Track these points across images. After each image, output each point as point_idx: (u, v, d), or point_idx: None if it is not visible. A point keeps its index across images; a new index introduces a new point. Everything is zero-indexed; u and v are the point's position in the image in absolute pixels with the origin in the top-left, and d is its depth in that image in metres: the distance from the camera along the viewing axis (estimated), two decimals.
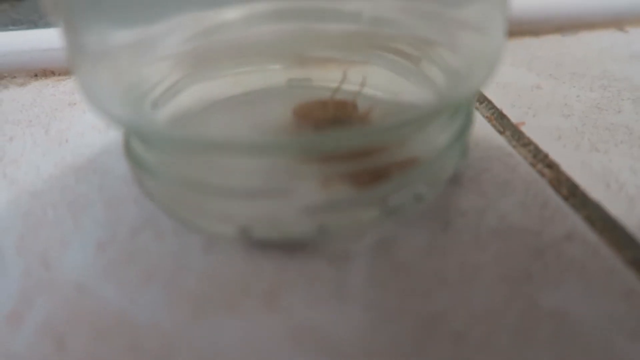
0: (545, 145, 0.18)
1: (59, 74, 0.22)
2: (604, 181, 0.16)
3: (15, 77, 0.22)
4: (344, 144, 0.12)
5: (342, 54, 0.17)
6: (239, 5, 0.15)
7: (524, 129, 0.19)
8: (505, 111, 0.20)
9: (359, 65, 0.17)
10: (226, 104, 0.16)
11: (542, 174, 0.17)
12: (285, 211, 0.13)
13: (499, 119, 0.20)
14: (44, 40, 0.22)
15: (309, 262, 0.13)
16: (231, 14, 0.16)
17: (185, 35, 0.15)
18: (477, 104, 0.21)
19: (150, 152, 0.13)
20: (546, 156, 0.17)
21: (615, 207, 0.15)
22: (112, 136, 0.18)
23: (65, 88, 0.21)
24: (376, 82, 0.17)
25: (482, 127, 0.19)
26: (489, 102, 0.21)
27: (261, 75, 0.17)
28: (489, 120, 0.20)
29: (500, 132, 0.19)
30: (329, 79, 0.17)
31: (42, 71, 0.22)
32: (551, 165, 0.17)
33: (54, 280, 0.12)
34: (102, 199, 0.15)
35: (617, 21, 0.28)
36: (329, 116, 0.16)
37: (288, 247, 0.13)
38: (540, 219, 0.15)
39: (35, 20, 0.25)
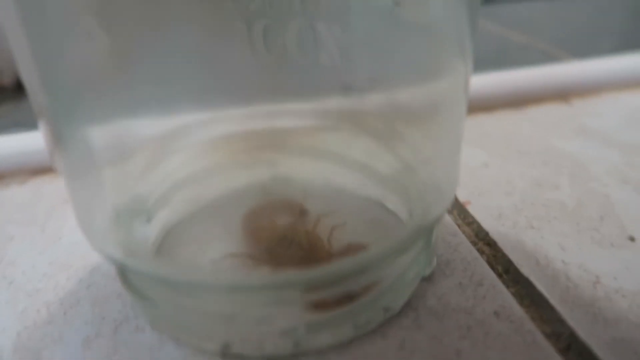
0: (486, 224, 0.20)
1: (56, 171, 0.25)
2: (534, 257, 0.18)
3: (15, 176, 0.24)
4: (307, 281, 0.14)
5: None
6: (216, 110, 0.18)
7: (470, 207, 0.21)
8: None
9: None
10: (210, 211, 0.18)
11: (482, 252, 0.19)
12: (263, 332, 0.14)
13: None
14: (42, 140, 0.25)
15: None
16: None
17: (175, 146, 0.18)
18: None
19: (141, 281, 0.15)
20: (487, 234, 0.20)
21: (541, 282, 0.17)
22: None
23: (61, 184, 0.24)
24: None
25: None
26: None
27: (247, 173, 0.19)
28: None
29: (449, 212, 0.21)
30: (308, 174, 0.19)
31: (40, 169, 0.24)
32: (490, 244, 0.19)
33: None
34: (90, 296, 0.17)
35: (563, 94, 0.31)
36: (277, 234, 0.18)
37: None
38: (474, 297, 0.16)
39: (35, 123, 0.27)
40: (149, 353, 0.15)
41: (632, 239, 0.19)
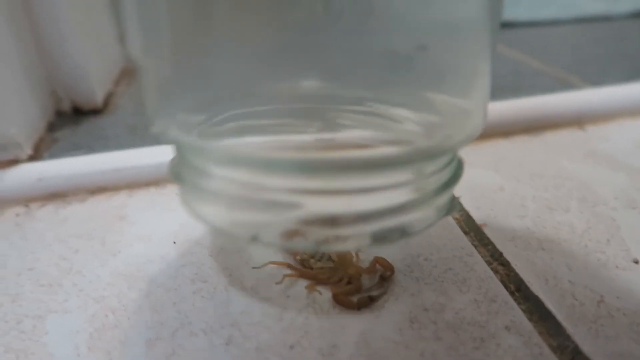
0: (501, 245, 0.22)
1: (111, 190, 0.27)
2: (544, 277, 0.20)
3: (76, 194, 0.27)
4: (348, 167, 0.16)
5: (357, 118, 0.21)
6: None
7: (485, 230, 0.23)
8: (472, 213, 0.24)
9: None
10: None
11: (496, 271, 0.21)
12: (291, 225, 0.16)
13: (466, 221, 0.24)
14: (99, 162, 0.28)
15: (304, 354, 0.17)
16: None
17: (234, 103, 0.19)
18: None
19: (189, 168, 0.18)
20: (501, 255, 0.22)
21: (550, 300, 0.19)
22: (153, 246, 0.23)
23: (116, 203, 0.26)
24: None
25: (451, 229, 0.23)
26: (460, 204, 0.25)
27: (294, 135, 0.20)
28: (458, 222, 0.24)
29: (466, 233, 0.23)
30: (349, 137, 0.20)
31: (97, 189, 0.27)
32: (504, 264, 0.21)
33: None
34: (149, 303, 0.19)
35: (577, 120, 0.33)
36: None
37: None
38: (488, 312, 0.18)
39: (91, 145, 0.30)
40: (203, 355, 0.17)
41: (636, 261, 0.21)
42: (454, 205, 0.19)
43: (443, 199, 0.18)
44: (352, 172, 0.16)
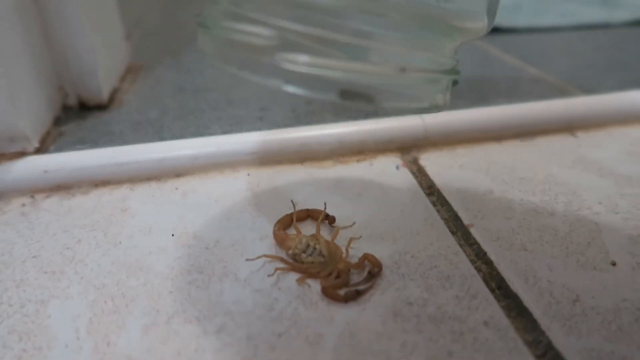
0: (486, 245, 0.23)
1: (114, 184, 0.28)
2: (524, 276, 0.21)
3: (80, 187, 0.28)
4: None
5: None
6: None
7: (472, 230, 0.24)
8: (460, 214, 0.25)
9: None
10: None
11: (479, 270, 0.22)
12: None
13: (454, 221, 0.25)
14: (103, 156, 0.29)
15: (292, 342, 0.18)
16: None
17: None
18: (439, 206, 0.26)
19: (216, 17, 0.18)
20: (485, 254, 0.22)
21: (528, 297, 0.20)
22: (152, 238, 0.24)
23: (118, 196, 0.27)
24: None
25: (439, 228, 0.24)
26: (449, 205, 0.26)
27: None
28: (446, 222, 0.25)
29: (453, 233, 0.24)
30: None
31: (100, 182, 0.28)
32: (487, 263, 0.22)
33: (114, 354, 0.18)
34: (146, 292, 0.20)
35: (569, 127, 0.34)
36: (302, 243, 0.22)
37: None
38: (469, 308, 0.19)
39: (96, 140, 0.32)
40: (196, 341, 0.18)
41: (613, 263, 0.21)
42: (442, 98, 0.20)
43: (426, 87, 0.19)
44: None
